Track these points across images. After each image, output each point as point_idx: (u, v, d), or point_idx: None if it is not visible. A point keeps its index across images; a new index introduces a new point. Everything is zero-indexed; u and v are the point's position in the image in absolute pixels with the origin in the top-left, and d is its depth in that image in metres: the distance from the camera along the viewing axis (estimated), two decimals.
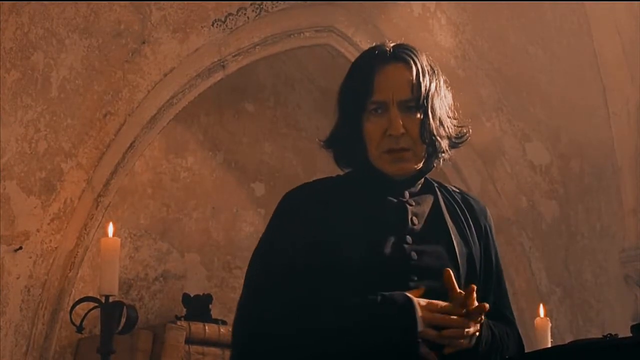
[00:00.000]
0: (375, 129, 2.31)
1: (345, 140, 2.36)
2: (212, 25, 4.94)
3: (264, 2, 5.08)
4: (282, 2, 5.12)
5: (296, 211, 2.33)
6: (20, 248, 4.37)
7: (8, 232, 4.35)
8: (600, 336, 2.29)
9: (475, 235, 2.38)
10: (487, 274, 2.37)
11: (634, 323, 2.48)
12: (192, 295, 5.30)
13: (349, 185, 2.38)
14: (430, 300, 2.17)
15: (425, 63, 2.36)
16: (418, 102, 2.30)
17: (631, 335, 2.33)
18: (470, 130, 2.45)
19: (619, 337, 2.24)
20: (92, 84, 4.61)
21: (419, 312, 2.15)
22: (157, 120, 4.84)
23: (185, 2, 4.86)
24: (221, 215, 5.67)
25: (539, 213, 5.88)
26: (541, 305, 4.85)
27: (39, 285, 4.45)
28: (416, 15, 5.58)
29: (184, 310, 5.26)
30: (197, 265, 5.62)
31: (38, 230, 4.43)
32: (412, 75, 2.32)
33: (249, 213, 5.76)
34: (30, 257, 4.41)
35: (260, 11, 5.06)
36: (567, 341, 2.13)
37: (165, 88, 4.83)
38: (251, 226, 5.73)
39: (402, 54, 2.35)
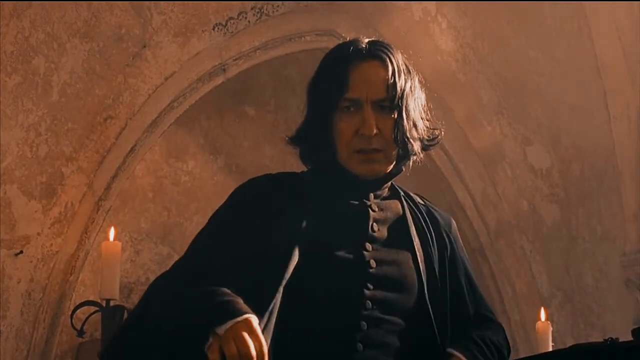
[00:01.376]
0: (347, 127, 2.21)
1: (313, 137, 2.27)
2: (213, 29, 4.94)
3: (266, 2, 5.08)
4: (282, 6, 5.13)
5: (253, 197, 2.26)
6: (21, 252, 4.37)
7: (9, 236, 4.35)
8: (601, 340, 2.29)
9: (437, 249, 2.29)
10: (457, 287, 2.30)
11: (635, 327, 2.48)
12: None
13: (312, 183, 2.29)
14: (257, 334, 1.98)
15: (401, 62, 2.28)
16: (393, 102, 2.22)
17: (632, 339, 2.33)
18: (443, 133, 2.38)
19: (620, 341, 2.24)
20: (93, 88, 4.61)
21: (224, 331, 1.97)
22: (158, 124, 4.84)
23: (186, 5, 4.87)
24: None
25: (539, 217, 5.88)
26: (542, 309, 4.86)
27: (39, 289, 4.44)
28: (417, 19, 5.58)
29: None
30: None
31: (39, 234, 4.43)
32: (387, 74, 2.23)
33: None
34: (31, 261, 4.40)
35: (261, 15, 5.07)
36: (568, 345, 2.14)
37: (166, 92, 4.83)
38: None
39: (378, 52, 2.26)
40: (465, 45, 5.73)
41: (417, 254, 2.24)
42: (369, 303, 2.15)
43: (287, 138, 2.33)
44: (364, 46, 2.28)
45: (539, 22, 5.92)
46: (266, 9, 5.08)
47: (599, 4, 5.88)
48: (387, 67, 2.24)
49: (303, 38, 5.20)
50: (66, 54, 4.54)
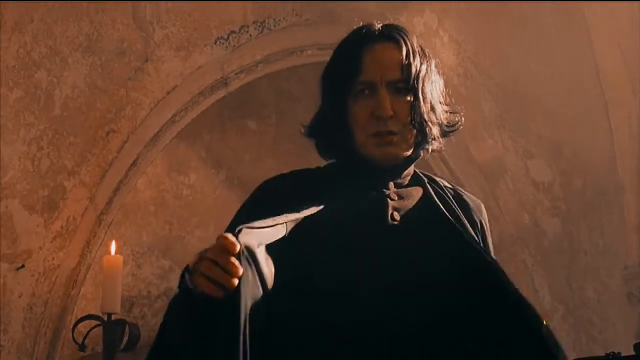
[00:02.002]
0: (362, 111, 2.16)
1: (329, 126, 2.23)
2: (215, 43, 4.95)
3: (267, 16, 5.09)
4: (284, 20, 5.13)
5: (269, 194, 2.23)
6: (23, 266, 4.37)
7: (10, 251, 4.34)
8: (603, 354, 2.28)
9: (470, 228, 2.20)
10: None
11: (637, 341, 2.48)
12: None
13: (329, 176, 2.25)
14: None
15: (416, 44, 2.23)
16: (408, 83, 2.16)
17: (634, 353, 2.32)
18: (463, 119, 2.30)
19: (622, 355, 2.23)
20: (95, 102, 4.61)
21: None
22: (160, 138, 4.84)
23: (188, 20, 4.87)
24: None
25: (541, 230, 5.87)
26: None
27: (41, 303, 4.43)
28: (418, 33, 5.59)
29: None
30: None
31: (40, 248, 4.43)
32: (402, 55, 2.18)
33: None
34: (33, 275, 4.40)
35: (263, 29, 5.08)
36: (570, 359, 2.13)
37: (168, 106, 4.84)
38: None
39: (392, 33, 2.22)
40: (467, 59, 5.73)
41: (460, 228, 2.15)
42: None
43: (302, 128, 2.29)
44: (377, 29, 2.24)
45: (540, 34, 5.93)
46: (268, 23, 5.09)
47: (601, 16, 5.88)
48: (401, 48, 2.19)
49: (305, 52, 5.21)
50: (68, 68, 4.55)
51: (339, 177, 2.22)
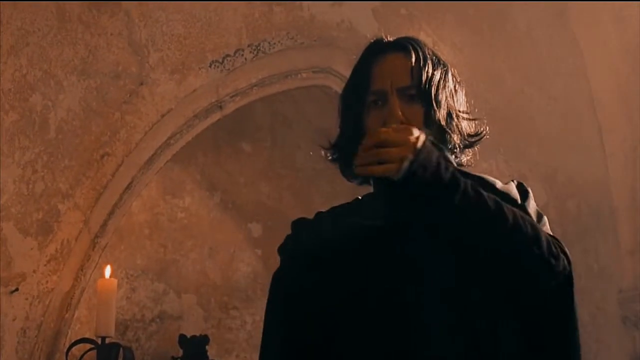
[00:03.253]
0: (374, 122, 2.06)
1: (347, 145, 2.10)
2: (210, 66, 4.96)
3: (262, 39, 5.10)
4: (279, 44, 5.14)
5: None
6: (17, 290, 4.35)
7: (5, 274, 4.33)
8: None
9: None
10: None
11: None
12: (188, 336, 5.28)
13: (356, 207, 2.14)
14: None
15: (428, 52, 2.17)
16: (419, 89, 2.09)
17: None
18: (487, 128, 2.19)
19: None
20: (90, 125, 4.61)
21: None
22: (155, 161, 4.84)
23: (183, 43, 4.88)
24: (218, 256, 5.65)
25: None
26: None
27: (35, 326, 4.42)
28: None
29: (181, 351, 5.24)
30: (194, 306, 5.60)
31: (34, 272, 4.41)
32: (411, 62, 2.11)
33: (246, 254, 5.75)
34: (27, 299, 4.38)
35: (258, 52, 5.09)
36: None
37: (163, 129, 4.84)
38: (248, 267, 5.72)
39: (402, 43, 2.17)
40: (461, 81, 5.74)
41: None
42: None
43: (324, 154, 2.19)
44: (387, 41, 2.20)
45: (535, 59, 5.94)
46: (262, 46, 5.10)
47: (594, 41, 5.90)
48: (410, 56, 2.13)
49: (299, 75, 5.21)
50: (63, 92, 4.55)
51: (361, 204, 2.14)
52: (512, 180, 2.15)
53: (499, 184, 2.09)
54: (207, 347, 5.26)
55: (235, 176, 5.84)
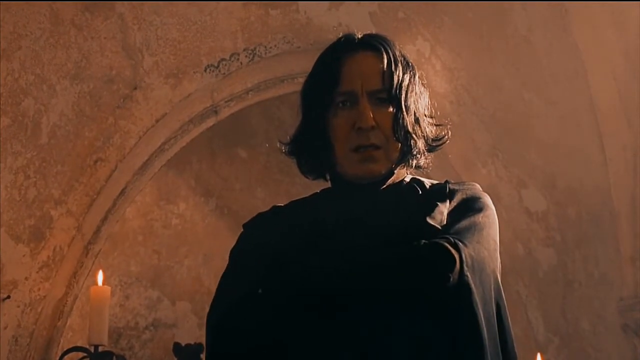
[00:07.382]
0: (343, 123, 2.04)
1: (309, 142, 2.11)
2: (205, 70, 4.92)
3: (258, 43, 5.07)
4: (275, 48, 5.11)
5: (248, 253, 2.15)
6: (8, 297, 4.32)
7: None
8: None
9: None
10: None
11: None
12: (183, 344, 5.25)
13: (311, 202, 2.15)
14: None
15: (398, 53, 2.13)
16: (390, 93, 2.06)
17: None
18: (450, 133, 2.17)
19: None
20: (83, 130, 4.57)
21: None
22: (149, 167, 4.80)
23: (178, 47, 4.84)
24: (213, 263, 5.61)
25: (535, 260, 5.83)
26: (538, 355, 4.82)
27: (27, 334, 4.38)
28: (411, 60, 5.56)
29: (175, 359, 5.21)
30: (188, 313, 5.57)
31: (26, 279, 4.38)
32: (383, 64, 2.08)
33: None
34: (19, 306, 4.35)
35: (253, 56, 5.05)
36: None
37: (157, 134, 4.80)
38: None
39: (373, 42, 2.12)
40: (460, 87, 5.70)
41: None
42: None
43: (281, 147, 2.18)
44: (357, 38, 2.15)
45: (534, 64, 5.91)
46: (258, 50, 5.07)
47: (594, 47, 5.87)
48: (382, 57, 2.10)
49: (295, 79, 5.17)
50: (56, 96, 4.51)
51: (318, 201, 2.15)
52: (446, 181, 2.17)
53: (427, 183, 2.14)
54: (201, 355, 5.23)
55: (231, 182, 5.81)
